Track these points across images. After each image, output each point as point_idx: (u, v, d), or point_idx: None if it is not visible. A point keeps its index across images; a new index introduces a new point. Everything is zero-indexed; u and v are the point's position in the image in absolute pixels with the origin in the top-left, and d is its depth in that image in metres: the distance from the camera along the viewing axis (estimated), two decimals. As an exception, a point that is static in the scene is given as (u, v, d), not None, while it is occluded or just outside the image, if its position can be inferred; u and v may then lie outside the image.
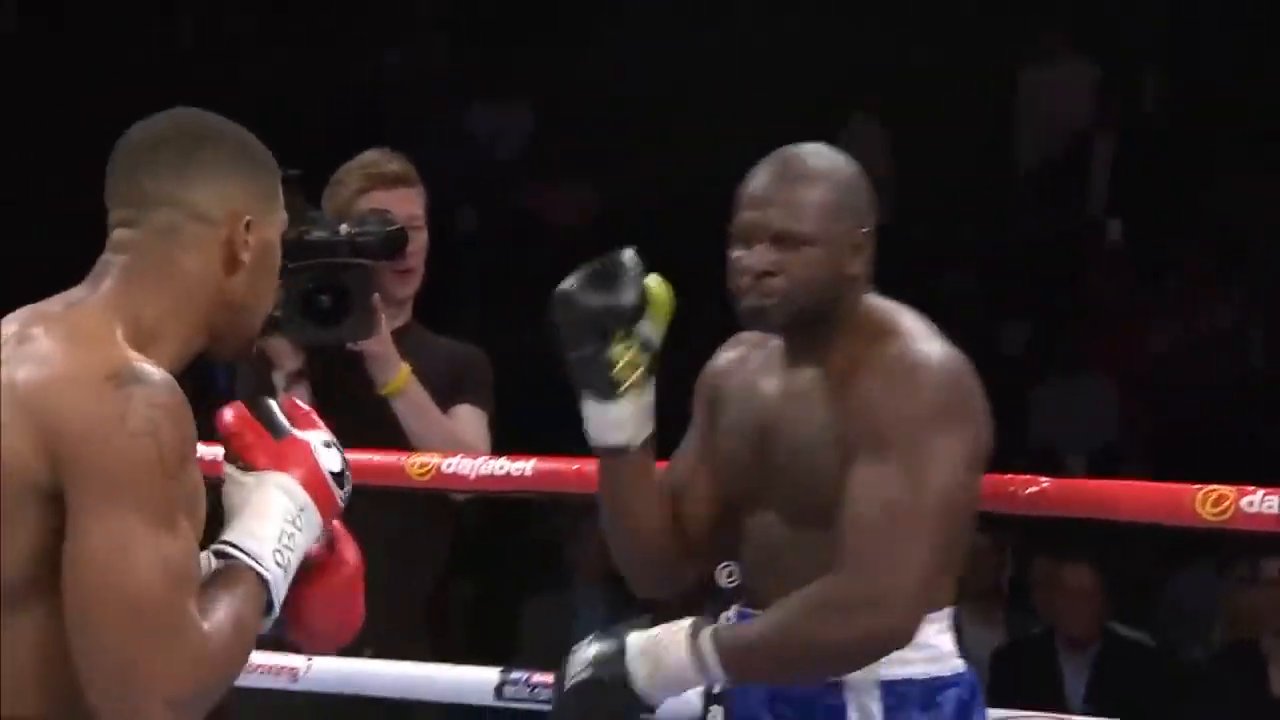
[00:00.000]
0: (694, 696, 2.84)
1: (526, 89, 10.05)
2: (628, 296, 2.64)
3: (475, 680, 3.54)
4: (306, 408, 2.19)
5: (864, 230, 2.66)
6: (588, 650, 2.62)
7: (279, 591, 2.04)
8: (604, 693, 2.60)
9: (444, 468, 3.38)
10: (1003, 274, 8.77)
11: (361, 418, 3.34)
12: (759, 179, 2.65)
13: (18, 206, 9.14)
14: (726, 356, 2.79)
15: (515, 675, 3.44)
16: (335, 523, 2.20)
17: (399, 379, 3.48)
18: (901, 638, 2.54)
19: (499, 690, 3.43)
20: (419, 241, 3.57)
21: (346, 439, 3.20)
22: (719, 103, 9.41)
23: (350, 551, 2.22)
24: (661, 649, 2.58)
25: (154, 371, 1.95)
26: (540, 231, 9.44)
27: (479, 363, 3.67)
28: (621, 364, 2.64)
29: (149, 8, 10.33)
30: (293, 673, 3.43)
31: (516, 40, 10.07)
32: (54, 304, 2.04)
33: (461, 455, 3.31)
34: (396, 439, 3.45)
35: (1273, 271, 8.46)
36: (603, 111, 9.48)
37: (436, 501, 3.55)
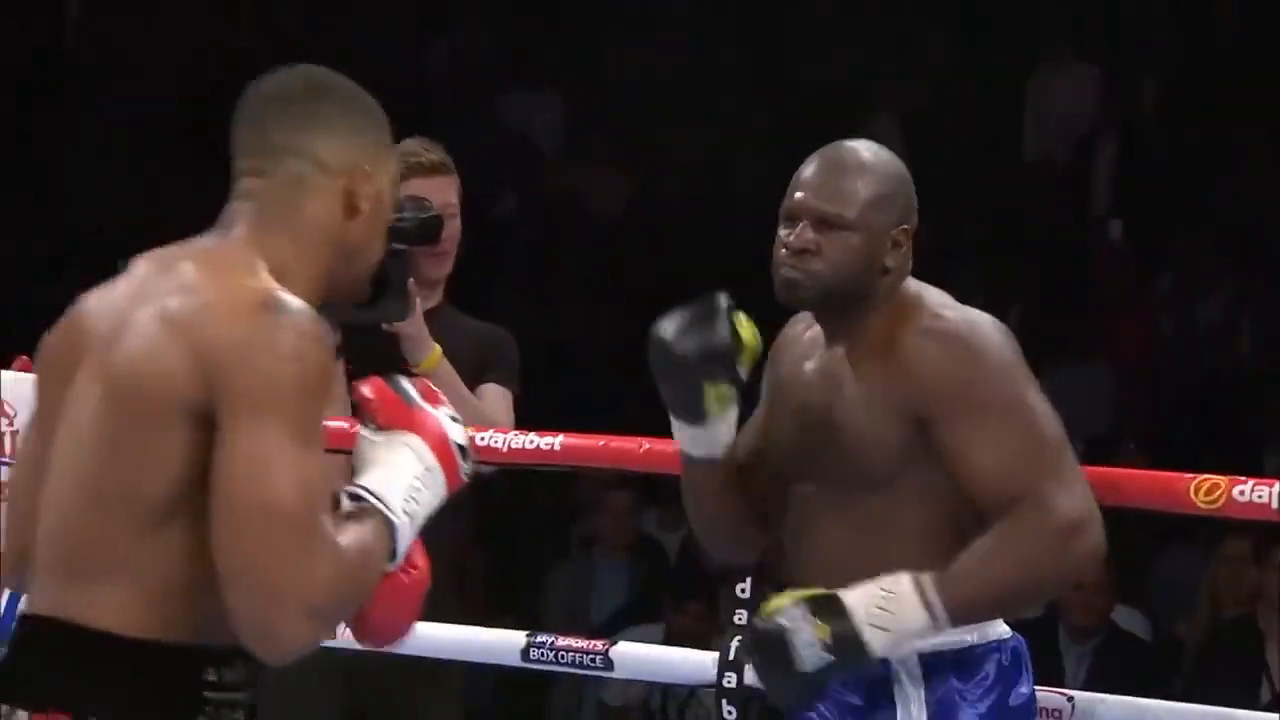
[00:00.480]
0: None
1: (561, 76, 10.09)
2: (721, 342, 2.70)
3: (503, 642, 3.64)
4: (435, 388, 2.28)
5: (904, 227, 2.74)
6: (801, 631, 2.62)
7: (404, 538, 2.13)
8: (845, 665, 2.62)
9: (477, 441, 3.46)
10: (1006, 267, 8.83)
11: None
12: (811, 166, 2.73)
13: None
14: (786, 334, 2.87)
15: (541, 638, 3.52)
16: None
17: (431, 358, 3.57)
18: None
19: (525, 652, 3.52)
20: (453, 227, 3.67)
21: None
22: (736, 100, 9.46)
23: (420, 558, 2.25)
24: (897, 611, 2.59)
25: (298, 302, 2.06)
26: (576, 217, 9.49)
27: (506, 344, 3.76)
28: (712, 399, 2.72)
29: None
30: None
31: (552, 27, 10.11)
32: (188, 246, 2.15)
33: (493, 430, 3.38)
34: None
35: (1266, 268, 8.50)
36: (637, 99, 9.52)
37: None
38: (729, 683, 3.12)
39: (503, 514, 7.41)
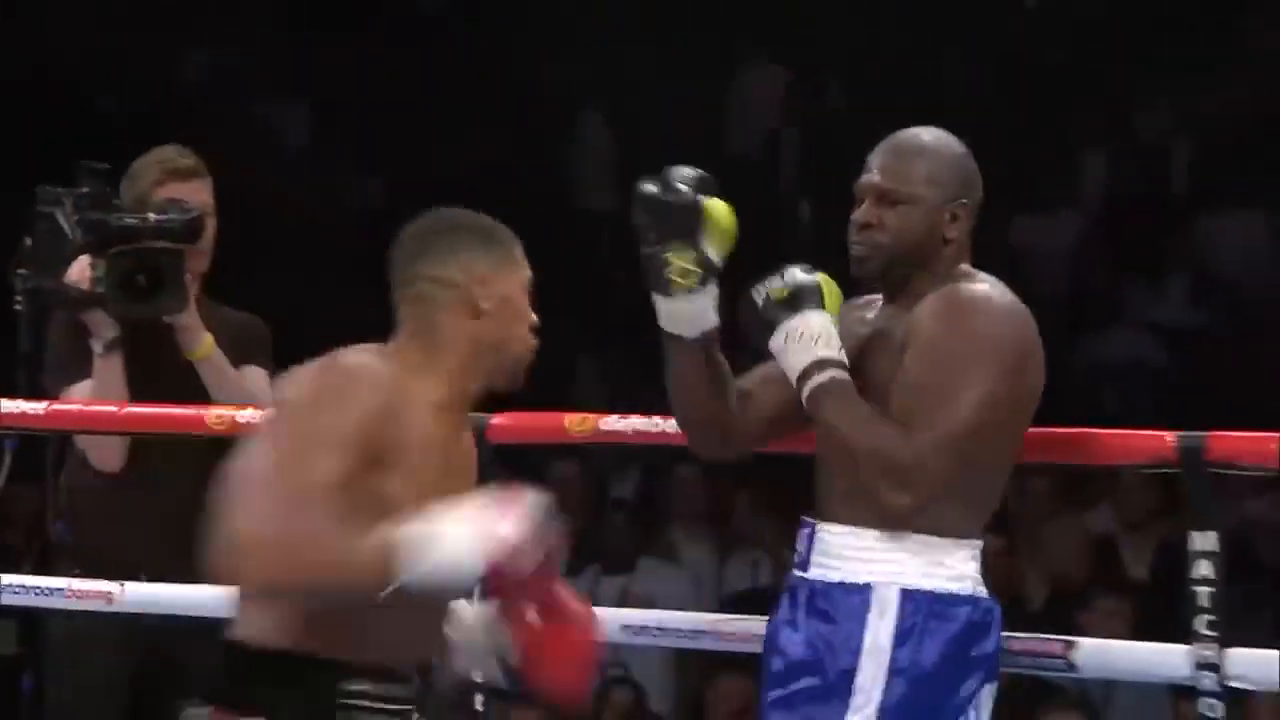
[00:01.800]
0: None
1: (312, 85, 10.19)
2: (679, 214, 2.73)
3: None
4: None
5: (962, 201, 2.81)
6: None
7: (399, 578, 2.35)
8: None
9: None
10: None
11: (169, 379, 3.69)
12: (877, 150, 2.83)
13: None
14: (853, 301, 2.91)
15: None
16: (571, 599, 2.57)
17: (204, 347, 3.70)
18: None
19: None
20: (210, 227, 3.79)
21: (158, 397, 3.58)
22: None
23: (582, 619, 2.56)
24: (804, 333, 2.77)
25: (360, 361, 2.50)
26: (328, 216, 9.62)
27: (260, 330, 3.89)
28: (674, 267, 2.73)
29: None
30: (107, 597, 3.58)
31: (305, 38, 10.18)
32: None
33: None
34: (199, 396, 3.67)
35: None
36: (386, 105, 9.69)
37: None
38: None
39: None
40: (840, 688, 2.71)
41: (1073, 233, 8.83)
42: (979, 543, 2.78)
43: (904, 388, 2.72)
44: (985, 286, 2.78)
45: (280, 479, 2.37)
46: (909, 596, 2.71)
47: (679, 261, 2.73)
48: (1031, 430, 2.82)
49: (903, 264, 2.78)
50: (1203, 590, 2.84)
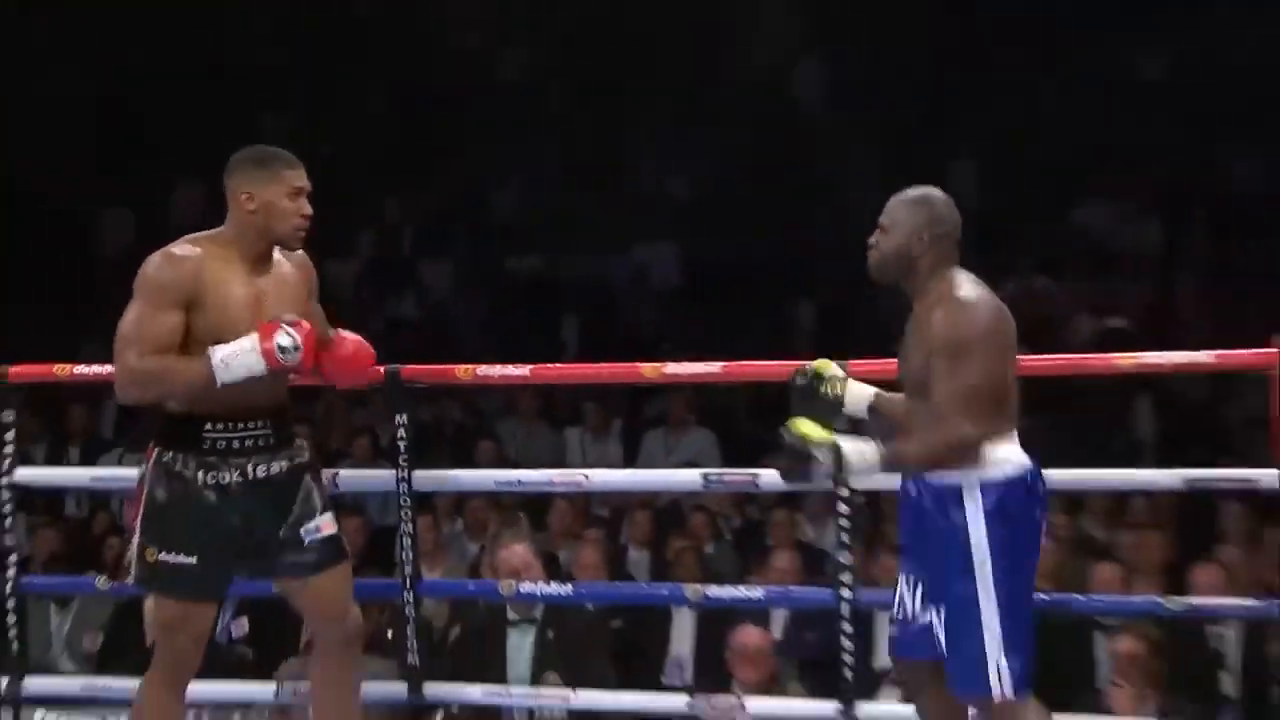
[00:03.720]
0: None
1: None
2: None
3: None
4: (301, 319, 3.87)
5: (932, 233, 3.81)
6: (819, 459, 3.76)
7: (221, 369, 3.78)
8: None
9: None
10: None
11: None
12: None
13: None
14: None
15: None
16: (342, 334, 4.17)
17: None
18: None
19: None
20: None
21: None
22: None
23: (349, 337, 4.19)
24: (864, 458, 3.71)
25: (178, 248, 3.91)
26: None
27: None
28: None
29: None
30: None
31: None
32: None
33: None
34: None
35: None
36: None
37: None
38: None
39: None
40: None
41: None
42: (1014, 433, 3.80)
43: (936, 383, 3.72)
44: (964, 295, 3.74)
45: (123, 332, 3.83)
46: (986, 485, 3.73)
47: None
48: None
49: (888, 272, 3.86)
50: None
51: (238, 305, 3.87)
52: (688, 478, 5.24)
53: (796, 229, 10.54)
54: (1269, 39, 10.02)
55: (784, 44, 11.57)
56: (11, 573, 5.01)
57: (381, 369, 4.42)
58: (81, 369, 4.88)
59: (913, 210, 3.84)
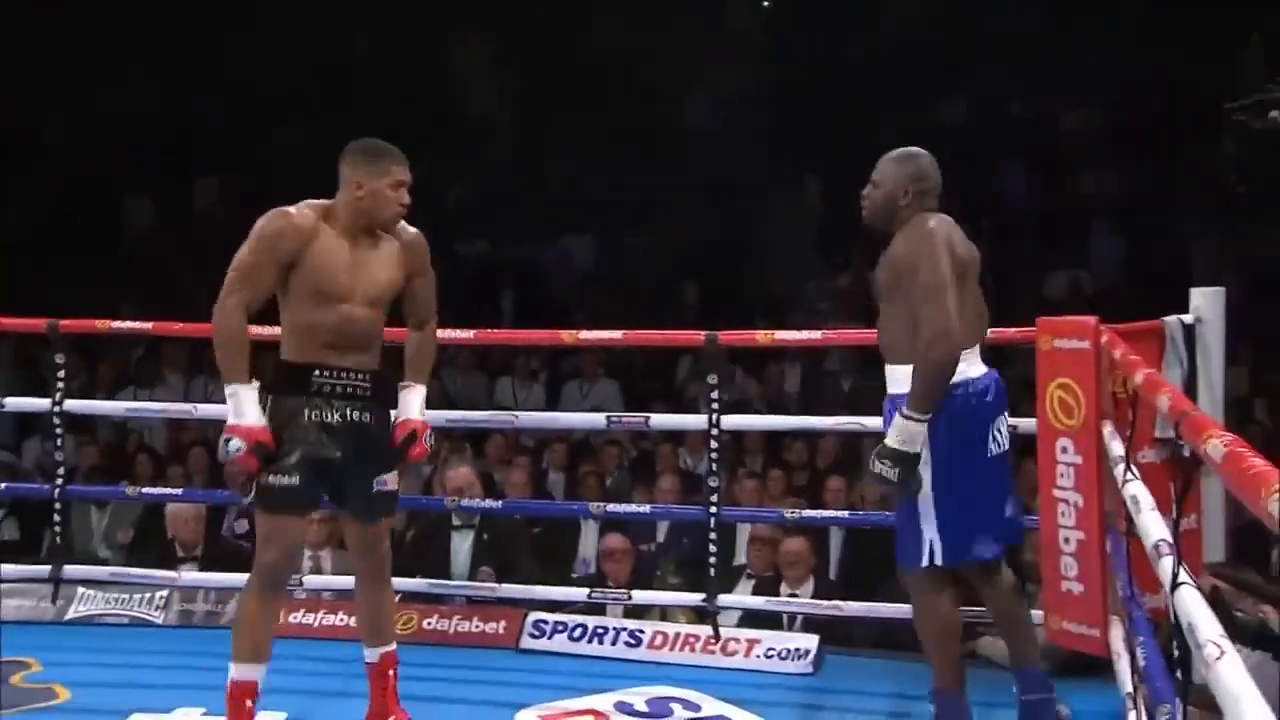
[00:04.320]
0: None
1: None
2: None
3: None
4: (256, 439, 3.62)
5: (916, 187, 3.58)
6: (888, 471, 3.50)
7: (234, 399, 3.58)
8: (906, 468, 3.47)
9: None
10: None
11: None
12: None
13: None
14: None
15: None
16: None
17: None
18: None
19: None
20: None
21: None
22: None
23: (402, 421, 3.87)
24: (904, 433, 3.43)
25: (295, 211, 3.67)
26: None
27: None
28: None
29: None
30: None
31: None
32: None
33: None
34: None
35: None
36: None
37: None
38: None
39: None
40: None
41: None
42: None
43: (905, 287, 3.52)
44: (916, 224, 3.52)
45: (235, 267, 3.60)
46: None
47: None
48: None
49: (878, 218, 3.64)
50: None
51: (337, 268, 3.65)
52: (595, 419, 5.34)
53: (685, 225, 10.75)
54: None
55: (678, 73, 11.77)
56: (60, 481, 5.10)
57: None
58: (119, 324, 4.98)
59: (899, 167, 3.60)
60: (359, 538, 3.86)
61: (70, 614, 5.08)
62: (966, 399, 3.50)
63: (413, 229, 3.82)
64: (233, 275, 3.60)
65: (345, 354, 3.69)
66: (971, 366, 3.53)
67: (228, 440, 3.55)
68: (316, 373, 3.67)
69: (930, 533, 3.50)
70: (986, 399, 3.54)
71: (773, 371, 8.92)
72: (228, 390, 3.56)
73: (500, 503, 5.36)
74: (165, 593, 5.13)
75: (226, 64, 11.62)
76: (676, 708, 4.13)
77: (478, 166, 11.77)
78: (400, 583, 4.67)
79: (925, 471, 3.47)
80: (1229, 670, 1.76)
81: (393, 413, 3.83)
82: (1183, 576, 2.20)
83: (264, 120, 11.69)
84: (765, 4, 12.75)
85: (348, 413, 3.69)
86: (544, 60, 11.81)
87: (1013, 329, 4.24)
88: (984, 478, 3.53)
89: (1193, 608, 2.07)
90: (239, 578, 4.99)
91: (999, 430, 3.57)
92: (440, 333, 4.65)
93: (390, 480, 3.80)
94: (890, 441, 3.45)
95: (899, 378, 3.53)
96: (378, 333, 3.77)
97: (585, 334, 4.94)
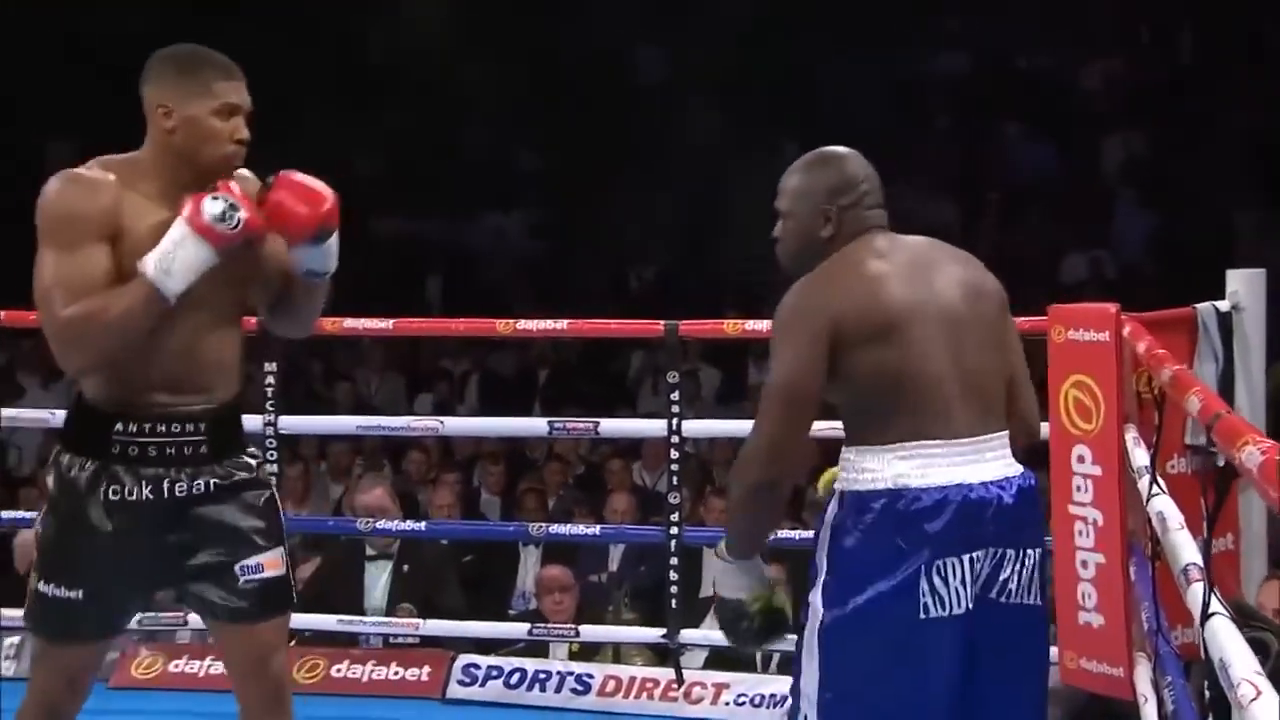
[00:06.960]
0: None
1: None
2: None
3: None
4: (229, 182, 2.81)
5: (838, 204, 2.77)
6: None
7: (165, 283, 2.74)
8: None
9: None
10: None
11: None
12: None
13: None
14: None
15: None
16: (288, 175, 2.85)
17: None
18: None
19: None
20: None
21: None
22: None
23: (287, 175, 2.86)
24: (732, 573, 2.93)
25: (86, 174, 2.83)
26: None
27: None
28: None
29: None
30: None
31: None
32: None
33: None
34: None
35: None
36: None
37: None
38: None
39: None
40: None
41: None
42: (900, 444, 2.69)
43: None
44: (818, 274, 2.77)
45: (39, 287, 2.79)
46: (845, 498, 2.73)
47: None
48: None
49: (796, 265, 2.81)
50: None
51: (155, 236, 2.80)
52: (536, 425, 5.32)
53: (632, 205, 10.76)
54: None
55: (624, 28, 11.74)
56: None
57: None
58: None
59: (809, 180, 2.79)
60: (236, 650, 2.98)
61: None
62: (882, 521, 2.62)
63: (247, 172, 2.92)
64: (43, 306, 2.77)
65: (173, 392, 2.86)
66: (926, 468, 2.63)
67: (218, 215, 2.74)
68: (119, 428, 2.84)
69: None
70: (931, 527, 2.60)
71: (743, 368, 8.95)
72: (149, 278, 2.76)
73: (423, 525, 5.33)
74: (16, 640, 4.99)
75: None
76: (632, 765, 4.17)
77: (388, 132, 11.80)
78: (303, 620, 4.65)
79: (810, 644, 2.70)
80: (1265, 713, 1.77)
81: (252, 461, 2.99)
82: (1215, 606, 2.20)
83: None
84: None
85: (163, 485, 2.86)
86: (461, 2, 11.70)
87: (1021, 319, 4.20)
88: (904, 665, 2.62)
89: (1225, 642, 2.07)
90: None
91: (955, 575, 2.61)
92: (352, 322, 4.63)
93: (269, 563, 2.93)
94: (721, 590, 2.97)
95: (847, 465, 2.72)
96: (228, 355, 2.94)
97: (524, 323, 4.93)
